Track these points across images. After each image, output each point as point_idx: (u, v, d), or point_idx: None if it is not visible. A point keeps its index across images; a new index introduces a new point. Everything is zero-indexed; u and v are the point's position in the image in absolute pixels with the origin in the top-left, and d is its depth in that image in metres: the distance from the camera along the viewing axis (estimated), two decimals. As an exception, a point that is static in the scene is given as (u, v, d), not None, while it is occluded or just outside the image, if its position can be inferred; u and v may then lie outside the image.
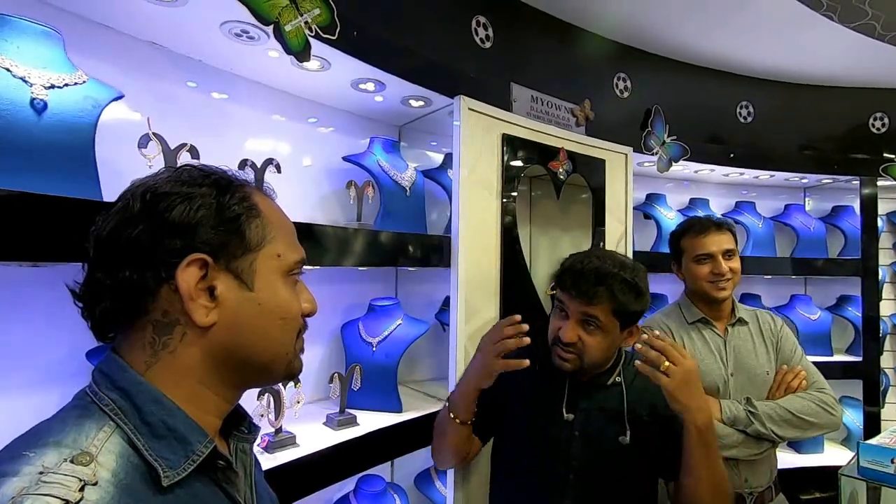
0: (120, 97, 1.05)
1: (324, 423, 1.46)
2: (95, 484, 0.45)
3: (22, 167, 0.85)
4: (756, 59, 2.52)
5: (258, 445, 1.26)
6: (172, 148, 1.14)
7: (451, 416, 1.23)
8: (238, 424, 0.66)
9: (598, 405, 1.19)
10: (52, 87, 0.93)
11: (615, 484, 1.15)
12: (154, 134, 1.10)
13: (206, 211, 0.55)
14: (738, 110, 2.68)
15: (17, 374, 1.07)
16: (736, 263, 1.56)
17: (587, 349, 1.14)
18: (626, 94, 2.35)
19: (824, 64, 2.57)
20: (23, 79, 0.89)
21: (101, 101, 1.00)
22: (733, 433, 1.41)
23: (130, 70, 1.27)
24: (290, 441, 1.28)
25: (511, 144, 1.78)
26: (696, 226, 1.62)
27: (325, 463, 1.30)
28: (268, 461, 1.20)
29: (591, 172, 2.10)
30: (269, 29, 1.19)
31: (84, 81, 0.99)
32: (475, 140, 1.67)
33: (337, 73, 1.49)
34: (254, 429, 0.68)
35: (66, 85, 0.95)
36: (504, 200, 1.76)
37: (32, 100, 0.89)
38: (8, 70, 0.88)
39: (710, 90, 2.60)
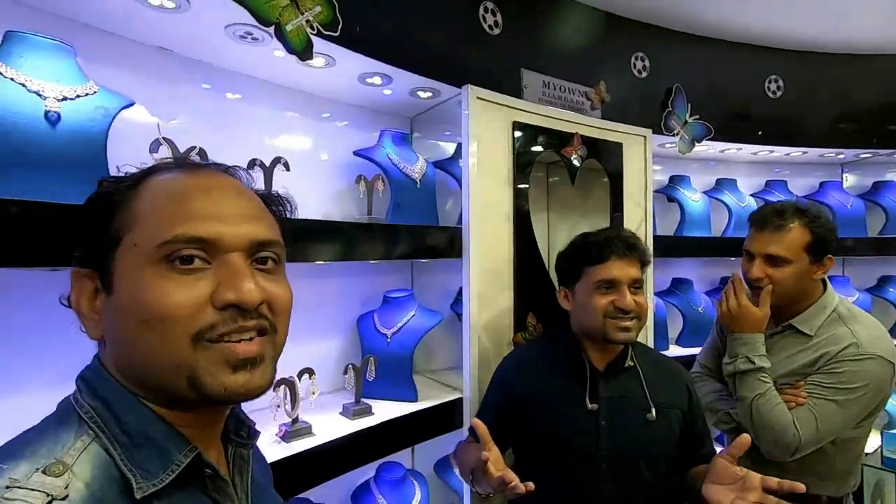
0: (130, 104, 1.10)
1: (340, 413, 1.50)
2: (65, 498, 0.43)
3: (38, 177, 0.90)
4: (784, 29, 2.38)
5: (276, 435, 1.31)
6: (182, 151, 1.18)
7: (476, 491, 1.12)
8: (238, 430, 0.63)
9: (620, 392, 1.23)
10: (65, 98, 0.97)
11: (647, 461, 1.19)
12: (164, 138, 1.14)
13: (84, 218, 0.53)
14: (766, 85, 2.55)
15: (36, 376, 1.11)
16: (782, 273, 1.35)
17: (643, 310, 1.21)
18: (644, 74, 2.28)
19: (858, 31, 2.40)
20: (37, 93, 0.95)
21: (111, 109, 1.04)
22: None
23: (147, 76, 1.32)
24: (306, 430, 1.33)
25: (522, 132, 1.75)
26: (758, 220, 1.43)
27: (340, 451, 1.34)
28: (284, 450, 1.24)
29: (607, 156, 2.05)
30: (271, 29, 1.21)
31: (95, 92, 1.03)
32: (484, 129, 1.66)
33: (342, 68, 1.50)
34: (253, 434, 0.65)
35: (78, 96, 1.00)
36: (516, 188, 1.74)
37: (46, 112, 0.94)
38: (23, 85, 0.93)
39: (735, 65, 2.48)
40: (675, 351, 2.46)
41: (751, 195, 2.78)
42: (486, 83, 1.67)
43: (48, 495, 0.42)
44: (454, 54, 1.69)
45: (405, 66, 1.53)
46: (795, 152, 2.70)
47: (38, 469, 0.43)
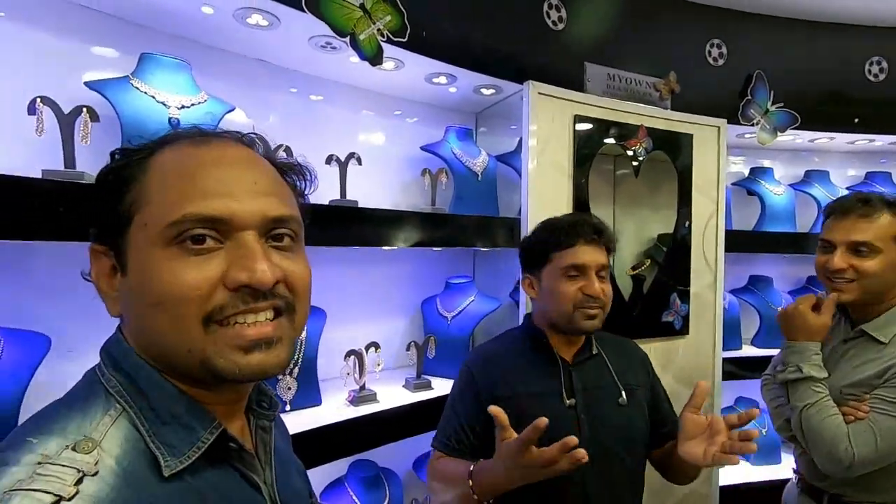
0: (231, 110, 1.30)
1: (402, 386, 1.65)
2: (95, 474, 0.42)
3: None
4: (887, 5, 2.17)
5: (345, 399, 1.48)
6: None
7: (476, 497, 1.06)
8: (259, 401, 0.63)
9: (592, 383, 1.22)
10: (183, 107, 1.19)
11: (626, 446, 1.19)
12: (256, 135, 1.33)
13: (97, 193, 0.52)
14: (866, 68, 2.33)
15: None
16: (870, 263, 1.24)
17: (608, 298, 1.20)
18: (720, 62, 2.19)
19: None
20: (163, 103, 1.16)
21: (217, 114, 1.25)
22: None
23: (245, 82, 1.53)
24: (372, 397, 1.49)
25: (583, 125, 1.78)
26: (838, 208, 1.32)
27: (401, 418, 1.49)
28: (352, 412, 1.41)
29: (675, 149, 2.01)
30: (347, 39, 1.36)
31: (205, 100, 1.24)
32: (545, 123, 1.72)
33: (410, 70, 1.63)
34: (275, 405, 0.64)
35: (193, 105, 1.21)
36: (576, 181, 1.78)
37: (170, 119, 1.16)
38: (153, 97, 1.16)
39: (828, 48, 2.30)
40: (748, 351, 2.35)
41: (846, 188, 2.56)
42: (549, 78, 1.73)
43: (79, 471, 0.42)
44: (517, 52, 1.76)
45: (468, 65, 1.63)
46: (902, 141, 2.45)
47: (67, 446, 0.43)
